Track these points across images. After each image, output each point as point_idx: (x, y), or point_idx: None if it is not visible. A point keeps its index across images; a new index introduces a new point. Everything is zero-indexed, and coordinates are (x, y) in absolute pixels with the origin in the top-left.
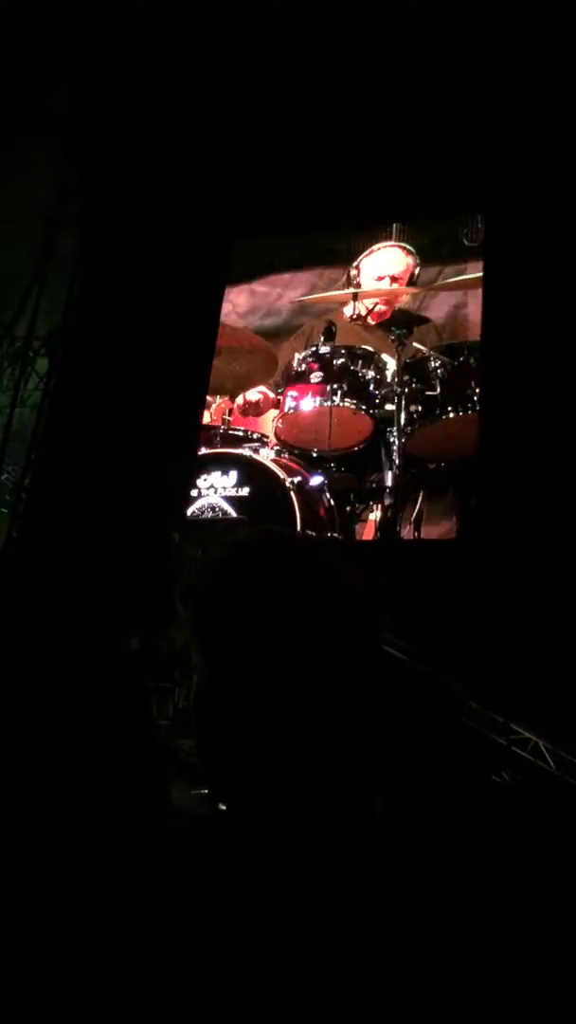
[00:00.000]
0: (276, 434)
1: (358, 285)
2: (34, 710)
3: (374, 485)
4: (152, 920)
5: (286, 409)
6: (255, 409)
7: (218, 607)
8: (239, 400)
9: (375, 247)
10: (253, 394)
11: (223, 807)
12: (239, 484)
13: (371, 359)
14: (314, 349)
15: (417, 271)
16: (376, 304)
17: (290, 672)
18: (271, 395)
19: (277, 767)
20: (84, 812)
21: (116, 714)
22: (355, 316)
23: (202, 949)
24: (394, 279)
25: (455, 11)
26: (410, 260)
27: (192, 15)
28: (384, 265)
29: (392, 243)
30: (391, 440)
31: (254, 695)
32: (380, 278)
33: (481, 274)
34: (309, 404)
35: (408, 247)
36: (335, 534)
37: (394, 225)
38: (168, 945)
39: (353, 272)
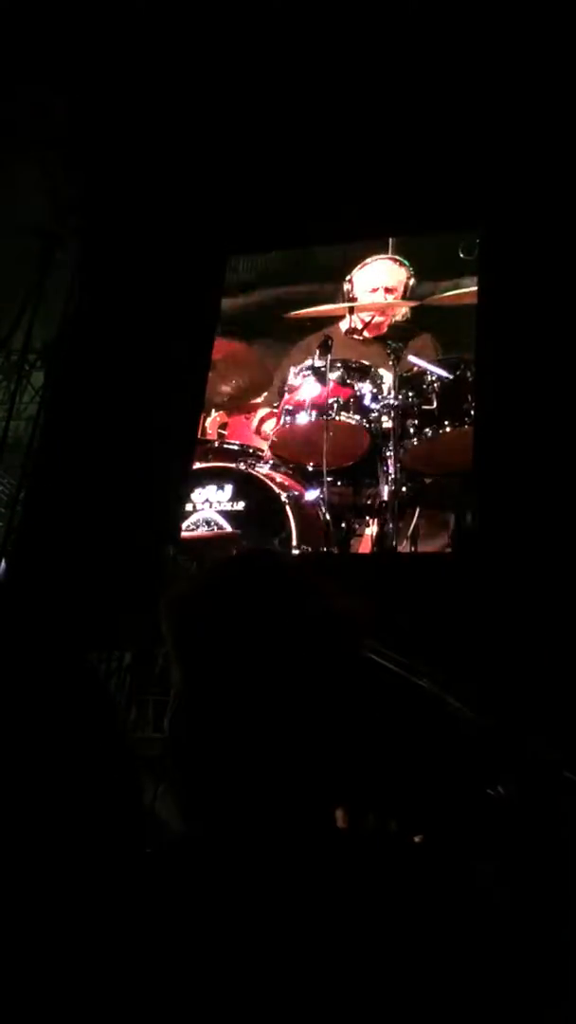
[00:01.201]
0: (271, 448)
1: (353, 298)
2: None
3: (370, 499)
4: (127, 938)
5: (282, 423)
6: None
7: (198, 623)
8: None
9: (367, 260)
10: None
11: (201, 823)
12: (234, 498)
13: (367, 373)
14: (310, 363)
15: (412, 283)
16: (372, 317)
17: (267, 689)
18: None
19: (254, 784)
20: (51, 827)
21: (85, 728)
22: (351, 329)
23: (179, 968)
24: (387, 291)
25: (453, 23)
26: (403, 272)
27: (188, 27)
28: (377, 277)
29: (385, 255)
30: (387, 454)
31: (231, 712)
32: (374, 290)
33: (476, 288)
34: (305, 418)
35: (401, 259)
36: (331, 549)
37: (390, 239)
38: (144, 964)
39: (347, 286)
